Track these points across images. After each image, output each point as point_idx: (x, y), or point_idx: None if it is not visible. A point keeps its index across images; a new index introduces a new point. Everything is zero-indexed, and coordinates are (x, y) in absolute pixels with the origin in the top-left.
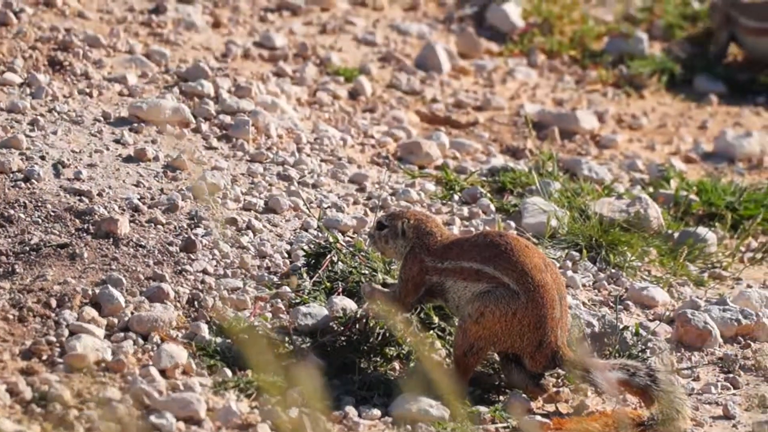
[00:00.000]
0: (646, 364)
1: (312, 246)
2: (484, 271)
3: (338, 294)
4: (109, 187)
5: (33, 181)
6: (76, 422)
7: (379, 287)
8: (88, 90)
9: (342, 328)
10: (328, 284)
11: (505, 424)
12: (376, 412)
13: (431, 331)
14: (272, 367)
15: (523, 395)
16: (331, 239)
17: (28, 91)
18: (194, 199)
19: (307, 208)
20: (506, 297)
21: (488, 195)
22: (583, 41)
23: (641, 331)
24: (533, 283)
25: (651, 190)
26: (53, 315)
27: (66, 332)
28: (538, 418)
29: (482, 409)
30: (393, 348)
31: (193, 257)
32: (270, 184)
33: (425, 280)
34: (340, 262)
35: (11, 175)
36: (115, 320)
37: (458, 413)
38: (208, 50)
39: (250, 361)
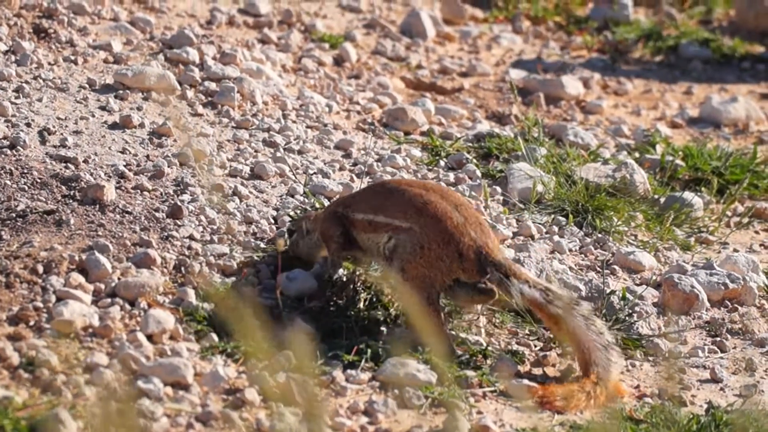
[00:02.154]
0: (570, 295)
1: (298, 212)
2: (377, 221)
3: None
4: (95, 154)
5: (19, 147)
6: (63, 387)
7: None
8: (73, 57)
9: (329, 293)
10: None
11: (492, 388)
12: (364, 376)
13: None
14: (259, 332)
15: (510, 359)
16: (317, 205)
17: (13, 58)
18: (180, 165)
19: (293, 174)
20: (408, 239)
21: (474, 161)
22: (568, 7)
23: (628, 295)
24: (416, 208)
25: (637, 155)
26: (40, 281)
27: (53, 298)
28: (526, 382)
29: (469, 373)
30: (380, 312)
31: (179, 223)
32: (256, 151)
33: (341, 225)
34: None
35: None
36: (102, 286)
37: (445, 378)
38: (192, 17)
39: (236, 327)
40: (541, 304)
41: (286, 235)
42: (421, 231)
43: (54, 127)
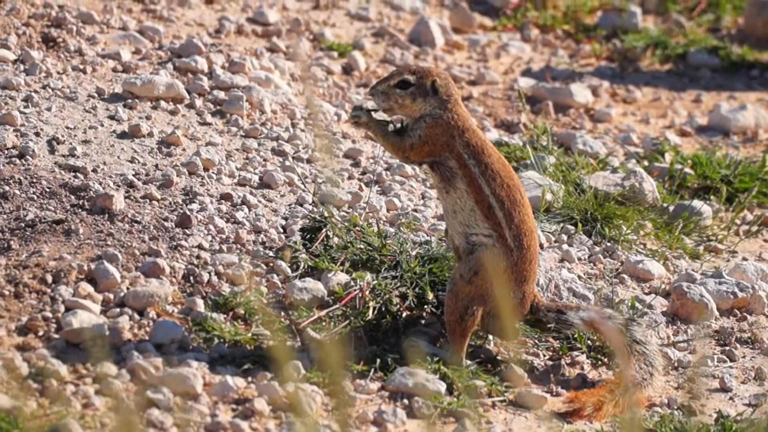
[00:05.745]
0: (622, 313)
1: (307, 221)
2: (493, 205)
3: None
4: (104, 163)
5: (28, 157)
6: (72, 398)
7: (378, 117)
8: (81, 66)
9: (338, 303)
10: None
11: (501, 398)
12: (373, 386)
13: (426, 306)
14: (268, 342)
15: (519, 368)
16: (326, 214)
17: (21, 67)
18: (189, 174)
19: (302, 183)
20: (500, 251)
21: None
22: (577, 15)
23: (637, 304)
24: (524, 236)
25: (646, 163)
26: (49, 291)
27: (62, 308)
28: (535, 391)
29: (479, 382)
30: (389, 322)
31: (188, 232)
32: (265, 160)
33: (442, 157)
34: (335, 237)
35: (6, 152)
36: (111, 296)
37: (455, 387)
38: (201, 26)
39: (247, 337)
40: (600, 322)
41: (394, 85)
42: (516, 257)
43: (63, 136)
